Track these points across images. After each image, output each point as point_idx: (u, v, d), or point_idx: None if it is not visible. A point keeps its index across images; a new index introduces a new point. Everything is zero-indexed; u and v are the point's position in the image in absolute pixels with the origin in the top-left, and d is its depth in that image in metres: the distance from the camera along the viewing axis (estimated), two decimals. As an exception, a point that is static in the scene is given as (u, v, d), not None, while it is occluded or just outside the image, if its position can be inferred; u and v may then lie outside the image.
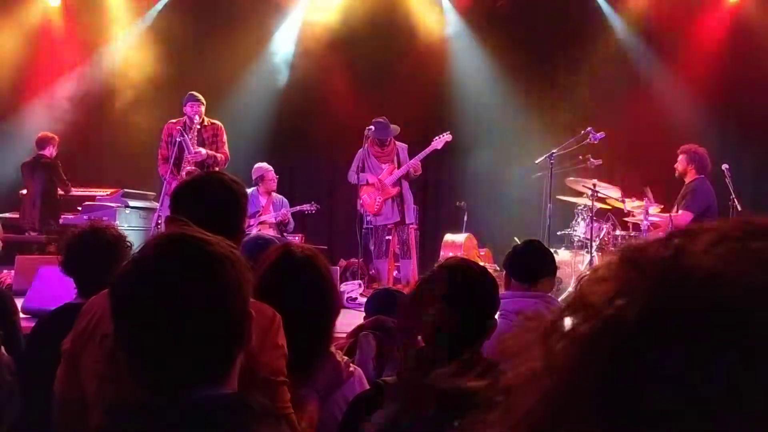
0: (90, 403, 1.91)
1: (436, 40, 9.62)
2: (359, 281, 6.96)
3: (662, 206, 6.90)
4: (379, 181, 7.50)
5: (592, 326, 0.48)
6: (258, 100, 9.63)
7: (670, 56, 9.09)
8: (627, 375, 0.46)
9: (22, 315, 3.72)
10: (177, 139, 6.86)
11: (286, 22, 9.90)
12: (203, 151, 6.90)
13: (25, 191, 8.53)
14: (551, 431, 0.49)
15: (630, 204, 6.88)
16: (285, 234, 7.73)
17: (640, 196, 6.79)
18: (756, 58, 8.58)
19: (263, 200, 7.86)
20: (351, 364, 2.28)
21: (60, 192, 8.48)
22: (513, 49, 9.16)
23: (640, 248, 0.51)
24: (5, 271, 6.23)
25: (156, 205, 7.66)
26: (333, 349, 2.26)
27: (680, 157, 6.80)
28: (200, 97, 7.07)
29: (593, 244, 6.79)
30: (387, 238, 7.73)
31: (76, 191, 8.62)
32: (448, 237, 8.03)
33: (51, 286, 4.53)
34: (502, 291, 2.50)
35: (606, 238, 7.00)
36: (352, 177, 7.57)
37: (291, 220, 7.99)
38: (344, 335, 2.96)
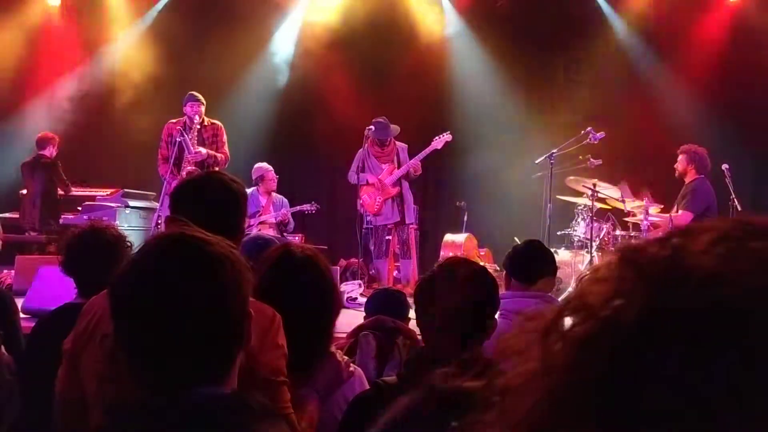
0: (90, 403, 1.91)
1: (436, 40, 9.62)
2: (359, 281, 6.96)
3: (662, 206, 6.90)
4: (379, 181, 7.50)
5: (591, 326, 0.48)
6: (258, 100, 9.62)
7: (670, 56, 9.09)
8: (626, 375, 0.46)
9: (22, 315, 3.72)
10: (177, 139, 6.86)
11: (286, 22, 9.90)
12: (203, 151, 6.89)
13: (25, 191, 8.52)
14: None
15: (630, 204, 6.88)
16: (285, 234, 7.73)
17: (640, 196, 6.80)
18: (756, 58, 8.58)
19: (263, 200, 7.86)
20: (351, 364, 2.28)
21: (60, 192, 8.48)
22: (513, 49, 9.17)
23: (640, 248, 0.51)
24: (5, 271, 6.22)
25: (156, 205, 7.66)
26: (333, 349, 2.26)
27: (680, 157, 6.80)
28: (200, 97, 7.07)
29: (593, 244, 6.79)
30: (387, 238, 7.74)
31: (76, 191, 8.62)
32: (448, 237, 8.03)
33: (51, 286, 4.53)
34: (502, 291, 2.50)
35: (606, 238, 7.00)
36: (352, 177, 7.57)
37: (291, 220, 7.99)
38: (344, 335, 2.97)
